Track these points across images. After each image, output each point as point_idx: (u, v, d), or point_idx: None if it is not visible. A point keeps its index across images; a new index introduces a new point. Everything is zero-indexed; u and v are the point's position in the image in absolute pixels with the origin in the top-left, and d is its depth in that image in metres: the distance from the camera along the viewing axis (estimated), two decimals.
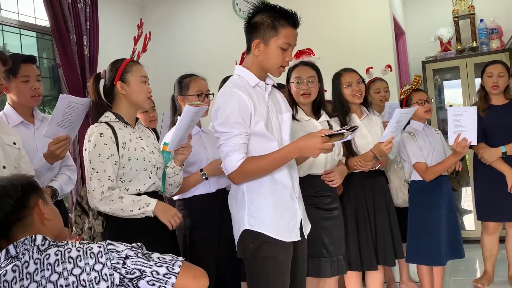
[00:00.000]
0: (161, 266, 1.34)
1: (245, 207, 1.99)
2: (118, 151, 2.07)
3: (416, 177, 3.10)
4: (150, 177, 2.14)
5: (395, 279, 3.82)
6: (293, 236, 2.02)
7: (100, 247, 1.34)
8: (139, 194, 2.10)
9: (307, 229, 2.14)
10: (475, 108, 2.93)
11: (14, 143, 2.14)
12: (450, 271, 4.00)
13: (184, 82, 2.63)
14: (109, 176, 2.02)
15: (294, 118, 2.60)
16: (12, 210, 1.36)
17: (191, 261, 2.41)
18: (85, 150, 2.09)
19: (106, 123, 2.11)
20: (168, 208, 2.13)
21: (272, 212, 1.97)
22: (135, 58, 2.25)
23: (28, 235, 1.35)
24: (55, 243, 1.34)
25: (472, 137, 2.84)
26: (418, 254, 3.07)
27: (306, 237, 2.13)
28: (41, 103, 2.84)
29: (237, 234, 2.03)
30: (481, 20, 5.24)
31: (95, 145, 2.04)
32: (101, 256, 1.31)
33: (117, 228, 2.08)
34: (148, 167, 2.14)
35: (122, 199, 2.03)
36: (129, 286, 1.32)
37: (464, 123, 2.84)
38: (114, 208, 2.02)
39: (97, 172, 2.02)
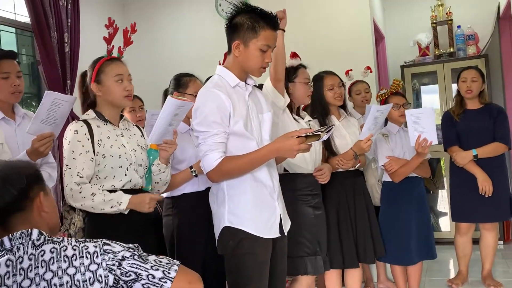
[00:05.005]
0: (157, 269, 1.34)
1: (225, 205, 2.01)
2: (93, 148, 2.07)
3: (388, 177, 3.17)
4: (126, 174, 2.13)
5: (373, 279, 3.89)
6: (273, 233, 2.05)
7: (96, 246, 1.32)
8: (115, 191, 2.09)
9: (287, 226, 2.17)
10: (432, 108, 2.98)
11: None
12: (425, 271, 4.07)
13: (183, 80, 2.64)
14: (78, 172, 2.03)
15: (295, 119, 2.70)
16: (13, 200, 1.33)
17: (178, 259, 2.41)
18: (64, 147, 2.11)
19: (83, 120, 2.13)
20: (141, 198, 2.11)
21: (251, 209, 2.00)
22: (117, 55, 2.23)
23: (25, 226, 1.32)
24: (50, 239, 1.33)
25: (432, 137, 2.90)
26: (388, 253, 3.11)
27: (286, 234, 2.16)
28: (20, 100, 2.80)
29: (217, 231, 2.06)
30: (458, 27, 5.37)
31: (69, 142, 2.07)
32: (97, 257, 1.30)
33: (97, 225, 2.07)
34: (124, 164, 2.13)
35: (94, 196, 2.02)
36: (123, 287, 1.32)
37: (423, 124, 2.90)
38: (85, 205, 2.03)
39: (69, 168, 2.05)
